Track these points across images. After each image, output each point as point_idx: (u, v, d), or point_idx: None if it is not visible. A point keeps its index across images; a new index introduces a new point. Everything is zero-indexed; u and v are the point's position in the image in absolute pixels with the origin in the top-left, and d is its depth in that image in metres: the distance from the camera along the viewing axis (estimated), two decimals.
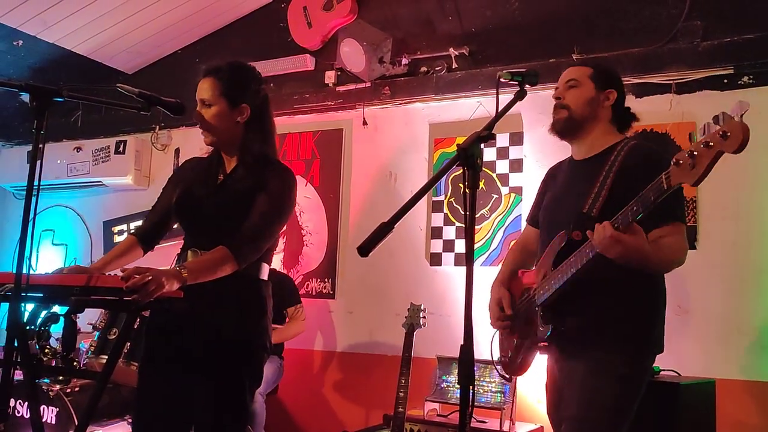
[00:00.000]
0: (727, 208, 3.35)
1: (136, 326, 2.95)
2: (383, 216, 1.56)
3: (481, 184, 4.00)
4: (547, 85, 2.35)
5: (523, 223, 2.76)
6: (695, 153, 1.66)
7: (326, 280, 4.41)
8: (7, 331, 1.84)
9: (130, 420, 3.49)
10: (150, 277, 1.85)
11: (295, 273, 4.48)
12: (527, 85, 1.92)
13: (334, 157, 4.52)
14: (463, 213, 3.96)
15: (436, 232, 4.12)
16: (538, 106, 3.50)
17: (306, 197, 4.52)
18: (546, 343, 2.11)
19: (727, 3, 3.49)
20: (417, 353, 3.46)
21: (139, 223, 4.89)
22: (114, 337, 3.19)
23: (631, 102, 2.38)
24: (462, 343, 1.55)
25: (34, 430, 2.16)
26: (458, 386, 1.60)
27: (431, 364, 3.67)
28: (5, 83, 2.00)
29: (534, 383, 2.31)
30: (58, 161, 5.20)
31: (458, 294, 3.92)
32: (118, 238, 5.19)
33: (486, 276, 2.55)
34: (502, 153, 3.97)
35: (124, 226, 5.23)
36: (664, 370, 2.73)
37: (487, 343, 2.46)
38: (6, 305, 1.85)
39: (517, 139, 3.93)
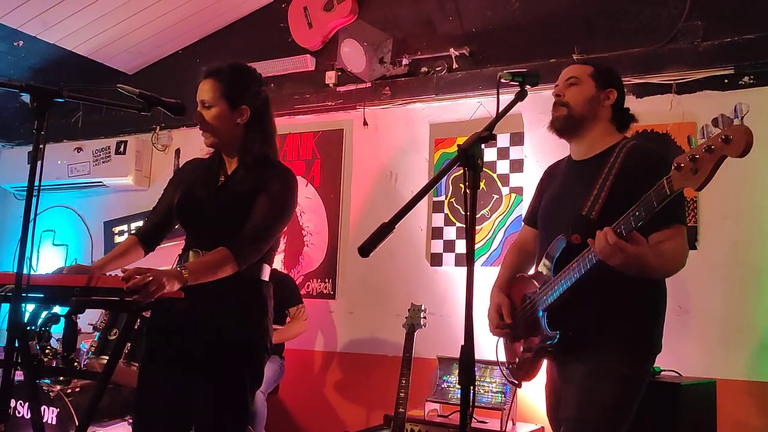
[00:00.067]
0: (728, 209, 3.35)
1: (136, 327, 2.95)
2: (384, 216, 1.55)
3: (482, 185, 4.06)
4: (547, 86, 2.35)
5: None
6: (697, 157, 1.64)
7: (327, 280, 4.41)
8: (8, 332, 1.84)
9: (130, 420, 3.50)
10: (151, 278, 1.85)
11: (295, 273, 4.48)
12: (528, 86, 1.92)
13: (335, 158, 4.52)
14: (463, 213, 3.96)
15: (436, 233, 4.12)
16: (538, 107, 3.49)
17: (306, 197, 4.53)
18: (552, 349, 2.10)
19: (728, 3, 3.49)
20: (417, 353, 3.46)
21: (140, 223, 4.92)
22: (114, 337, 3.20)
23: (631, 102, 2.38)
24: (462, 343, 1.55)
25: (34, 430, 2.16)
26: (459, 386, 1.59)
27: (432, 365, 3.67)
28: (6, 84, 2.00)
29: (534, 383, 2.30)
30: (59, 162, 5.21)
31: (459, 294, 3.91)
32: (118, 239, 5.19)
33: (486, 276, 2.55)
34: (503, 153, 3.97)
35: (124, 227, 5.23)
36: (664, 370, 2.73)
37: (488, 344, 2.46)
38: (7, 306, 1.85)
39: (517, 139, 3.93)
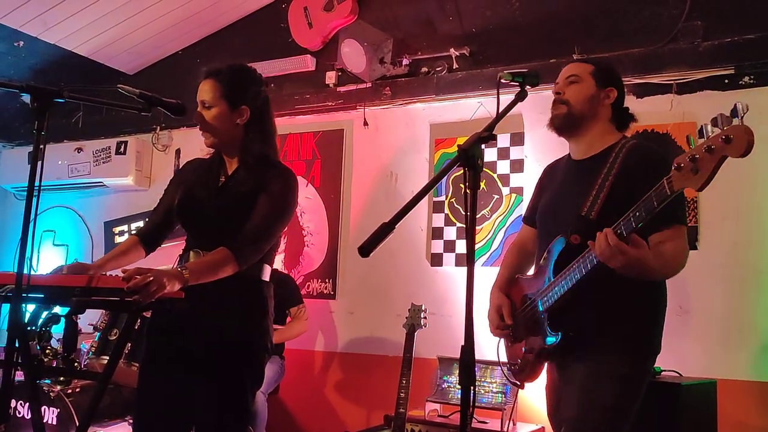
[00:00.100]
0: (728, 209, 3.35)
1: (137, 327, 2.95)
2: (384, 216, 1.55)
3: (482, 185, 4.06)
4: (547, 86, 2.34)
5: None
6: (697, 157, 1.62)
7: (327, 280, 4.41)
8: (8, 332, 1.84)
9: (131, 421, 3.49)
10: (151, 278, 1.85)
11: (296, 273, 4.48)
12: (528, 86, 1.92)
13: (335, 158, 4.52)
14: (464, 213, 3.96)
15: (437, 233, 4.12)
16: (539, 107, 3.48)
17: (307, 198, 4.53)
18: (553, 350, 2.09)
19: (728, 3, 3.49)
20: (418, 354, 3.46)
21: (140, 224, 4.93)
22: (115, 337, 3.20)
23: (631, 102, 2.37)
24: (463, 343, 1.55)
25: (35, 430, 2.16)
26: (459, 387, 1.59)
27: (432, 365, 3.67)
28: (6, 84, 2.00)
29: (534, 384, 2.30)
30: (59, 162, 5.21)
31: (459, 294, 3.91)
32: (119, 239, 5.19)
33: (487, 276, 2.55)
34: (503, 153, 3.97)
35: (125, 227, 5.23)
36: (665, 370, 2.73)
37: (488, 344, 2.46)
38: (7, 306, 1.85)
39: (518, 139, 3.93)
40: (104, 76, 5.05)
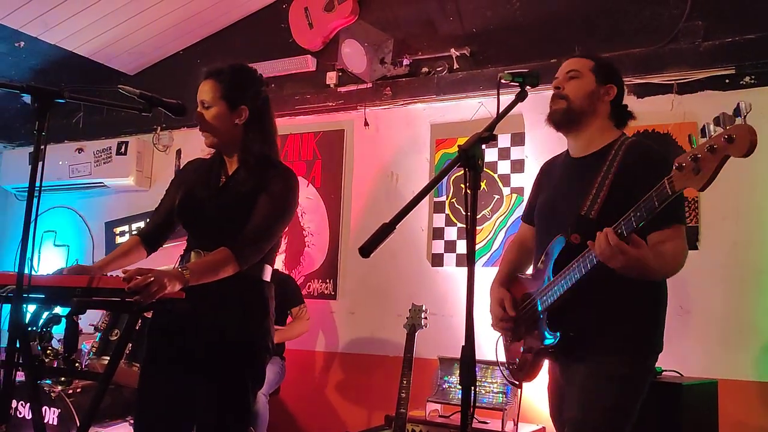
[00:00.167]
0: (728, 209, 3.35)
1: (137, 327, 2.95)
2: (385, 217, 1.55)
3: (483, 185, 4.06)
4: (548, 86, 2.34)
5: None
6: (699, 156, 1.61)
7: (328, 280, 4.41)
8: (9, 333, 1.84)
9: (131, 421, 3.50)
10: (152, 278, 1.85)
11: (296, 274, 4.48)
12: (528, 86, 1.91)
13: (336, 158, 4.52)
14: (464, 214, 3.96)
15: (437, 233, 4.12)
16: (539, 107, 3.45)
17: (307, 198, 4.53)
18: (553, 350, 2.09)
19: (728, 3, 3.49)
20: (418, 354, 3.46)
21: (141, 224, 4.93)
22: (116, 338, 3.20)
23: (632, 102, 2.36)
24: (463, 343, 1.55)
25: (36, 431, 2.16)
26: (460, 387, 1.59)
27: (433, 365, 3.67)
28: (7, 85, 2.00)
29: (535, 384, 2.30)
30: (60, 162, 5.21)
31: (460, 294, 3.91)
32: (119, 239, 5.20)
33: (487, 277, 2.54)
34: (504, 154, 3.97)
35: (125, 227, 5.23)
36: (666, 370, 2.73)
37: (489, 344, 2.46)
38: (8, 306, 1.85)
39: (518, 139, 3.93)
40: (105, 77, 5.05)
